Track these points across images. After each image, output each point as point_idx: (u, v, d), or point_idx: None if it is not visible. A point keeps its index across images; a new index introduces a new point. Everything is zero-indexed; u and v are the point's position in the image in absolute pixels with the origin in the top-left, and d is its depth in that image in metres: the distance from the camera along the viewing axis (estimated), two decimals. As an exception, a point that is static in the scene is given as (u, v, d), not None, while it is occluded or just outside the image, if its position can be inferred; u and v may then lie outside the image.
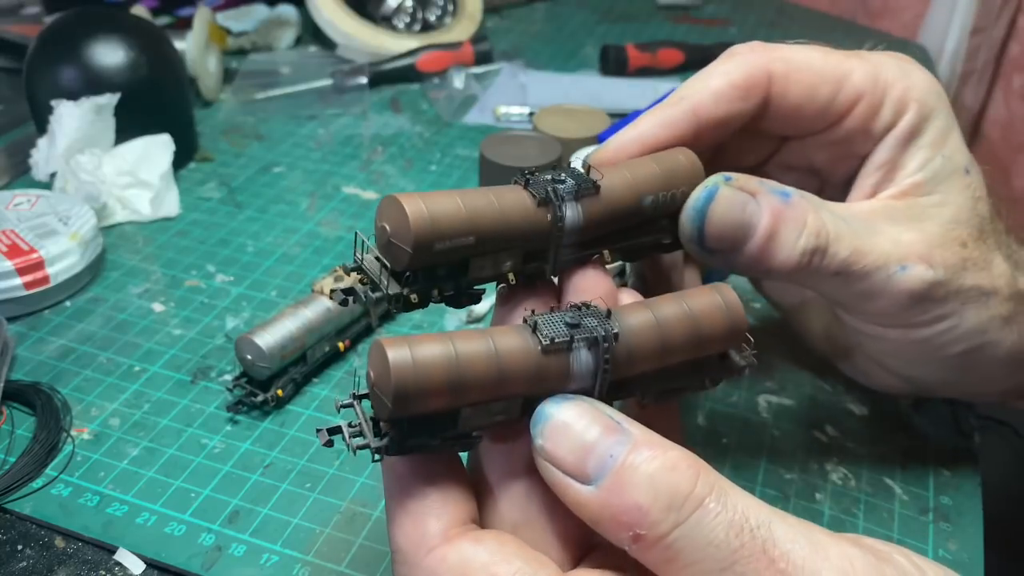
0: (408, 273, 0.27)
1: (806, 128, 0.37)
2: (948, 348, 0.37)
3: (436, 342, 0.25)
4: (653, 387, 0.30)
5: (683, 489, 0.23)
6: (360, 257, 0.28)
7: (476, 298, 0.29)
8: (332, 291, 0.28)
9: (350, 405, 0.26)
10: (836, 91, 0.36)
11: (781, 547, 0.23)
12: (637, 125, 0.35)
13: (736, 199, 0.32)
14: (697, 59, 0.94)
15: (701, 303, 0.29)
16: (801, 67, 0.36)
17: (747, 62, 0.35)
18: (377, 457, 0.25)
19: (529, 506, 0.30)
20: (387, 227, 0.27)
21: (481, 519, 0.29)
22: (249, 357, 0.47)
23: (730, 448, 0.46)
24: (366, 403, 0.27)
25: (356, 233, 0.28)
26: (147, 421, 0.47)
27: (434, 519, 0.27)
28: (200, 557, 0.39)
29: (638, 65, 0.92)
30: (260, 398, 0.47)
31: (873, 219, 0.35)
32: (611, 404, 0.27)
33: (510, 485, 0.30)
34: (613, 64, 0.92)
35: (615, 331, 0.27)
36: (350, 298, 0.28)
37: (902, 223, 0.35)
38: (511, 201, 0.28)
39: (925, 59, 1.03)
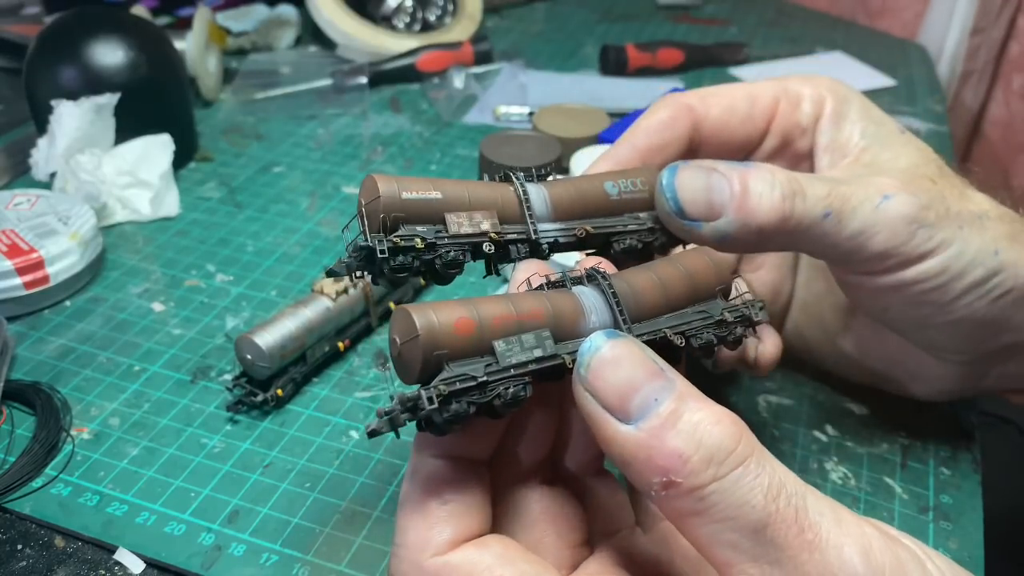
0: (386, 220, 0.28)
1: (742, 142, 0.41)
2: (968, 275, 0.36)
3: (451, 300, 0.27)
4: (678, 327, 0.31)
5: (727, 445, 0.23)
6: (363, 234, 0.29)
7: (463, 255, 0.30)
8: (326, 268, 0.29)
9: (391, 412, 0.26)
10: (751, 103, 0.41)
11: (812, 518, 0.23)
12: (592, 169, 0.39)
13: (698, 170, 0.34)
14: (697, 59, 0.94)
15: (691, 259, 0.33)
16: (714, 93, 0.41)
17: (667, 103, 0.40)
18: (433, 407, 0.25)
19: (531, 511, 0.30)
20: (362, 199, 0.29)
21: (493, 525, 0.29)
22: (249, 357, 0.47)
23: (730, 448, 0.46)
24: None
25: (343, 230, 0.30)
26: (147, 421, 0.47)
27: (449, 527, 0.27)
28: (200, 557, 0.39)
29: (638, 65, 0.92)
30: (260, 398, 0.47)
31: (840, 176, 0.38)
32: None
33: (514, 489, 0.30)
34: (613, 64, 0.92)
35: (604, 271, 0.30)
36: (354, 265, 0.29)
37: (867, 176, 0.37)
38: (475, 182, 0.31)
39: (925, 59, 1.03)
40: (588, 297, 0.29)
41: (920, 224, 0.35)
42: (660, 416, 0.24)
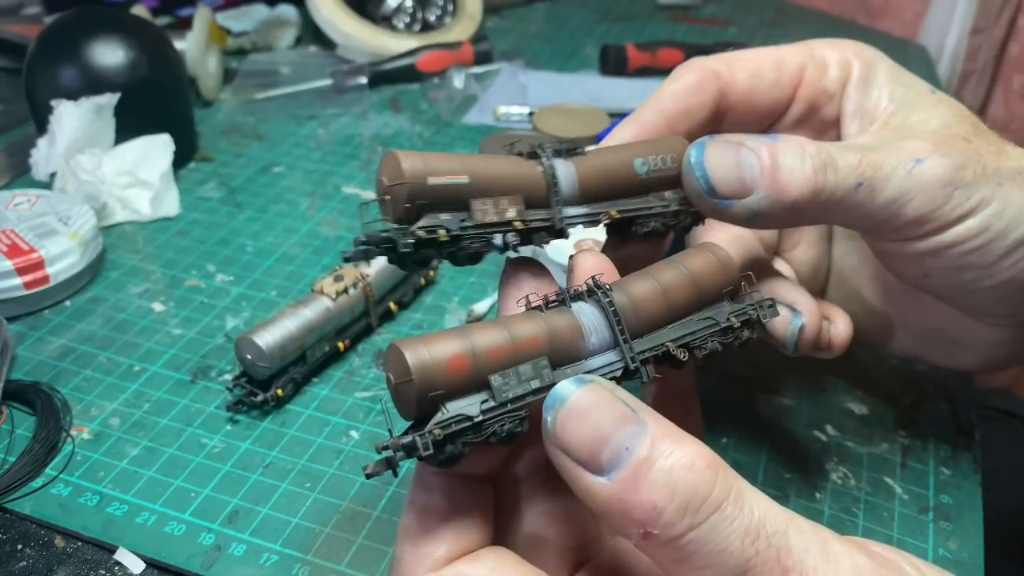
0: (409, 208, 0.28)
1: (769, 109, 0.40)
2: (1011, 233, 0.35)
3: (445, 331, 0.26)
4: (681, 339, 0.30)
5: (701, 491, 0.23)
6: (368, 229, 0.29)
7: (487, 246, 0.29)
8: (344, 252, 0.28)
9: (388, 446, 0.25)
10: (778, 68, 0.39)
11: (795, 556, 0.22)
12: (615, 134, 0.38)
13: (726, 147, 0.33)
14: (697, 59, 0.94)
15: (693, 258, 0.32)
16: (739, 58, 0.39)
17: (693, 67, 0.39)
18: (429, 453, 0.25)
19: (531, 513, 0.30)
20: (384, 178, 0.28)
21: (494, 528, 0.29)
22: (249, 357, 0.47)
23: (730, 448, 0.46)
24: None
25: (359, 206, 0.30)
26: (147, 421, 0.47)
27: (445, 544, 0.27)
28: (200, 556, 0.39)
29: (638, 65, 0.92)
30: (260, 398, 0.47)
31: (870, 142, 0.36)
32: (646, 362, 0.28)
33: (513, 492, 0.30)
34: (613, 64, 0.92)
35: (607, 285, 0.29)
36: (364, 254, 0.28)
37: (898, 140, 0.36)
38: (502, 158, 0.30)
39: (925, 59, 1.03)
40: (587, 316, 0.28)
41: (956, 185, 0.34)
42: (632, 466, 0.23)
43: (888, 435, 0.47)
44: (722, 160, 0.33)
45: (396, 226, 0.28)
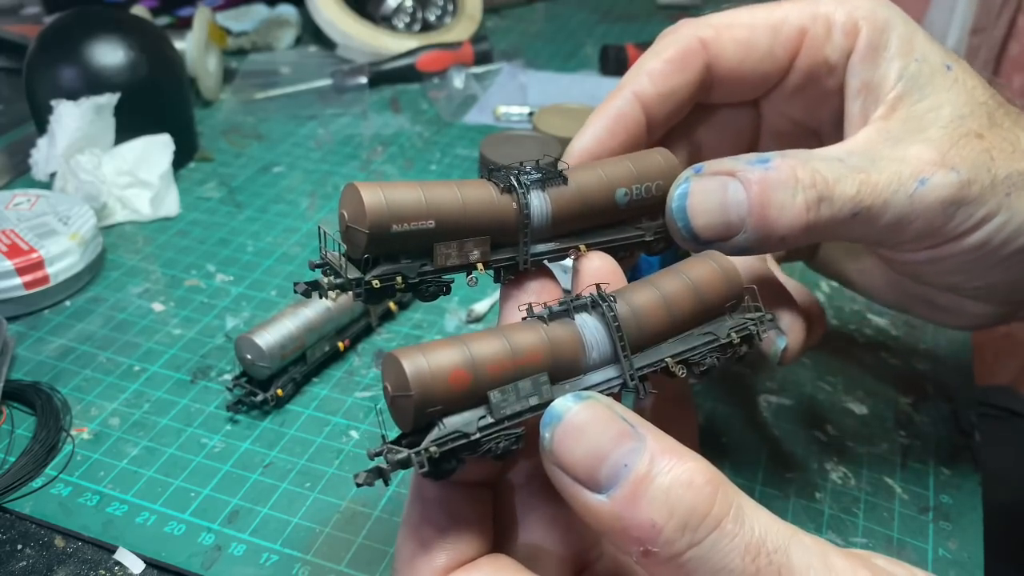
0: (368, 257, 0.27)
1: (760, 81, 0.37)
2: (1012, 243, 0.34)
3: (445, 340, 0.26)
4: (680, 355, 0.29)
5: (700, 509, 0.22)
6: (324, 252, 0.28)
7: (445, 288, 0.29)
8: (295, 283, 0.27)
9: (382, 451, 0.25)
10: (773, 36, 0.36)
11: (797, 573, 0.22)
12: (588, 125, 0.36)
13: (712, 185, 0.31)
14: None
15: (696, 268, 0.31)
16: (732, 24, 0.36)
17: (677, 38, 0.36)
18: (424, 470, 0.24)
19: (531, 518, 0.29)
20: (345, 213, 0.27)
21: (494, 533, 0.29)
22: (249, 357, 0.47)
23: (730, 448, 0.46)
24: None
25: (319, 227, 0.28)
26: (147, 421, 0.47)
27: (443, 553, 0.26)
28: (200, 556, 0.39)
29: (638, 65, 0.92)
30: (260, 398, 0.47)
31: (872, 148, 0.33)
32: (644, 381, 0.28)
33: (514, 496, 0.30)
34: (613, 64, 0.92)
35: (612, 296, 0.28)
36: (314, 291, 0.27)
37: (904, 140, 0.33)
38: (474, 189, 0.28)
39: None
40: (590, 330, 0.28)
41: (961, 204, 0.32)
42: (630, 484, 0.23)
43: (888, 435, 0.47)
44: (706, 204, 0.31)
45: (350, 274, 0.27)
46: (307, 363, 0.49)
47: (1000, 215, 0.33)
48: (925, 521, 0.42)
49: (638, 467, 0.23)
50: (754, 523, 0.22)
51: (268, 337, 0.47)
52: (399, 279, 0.27)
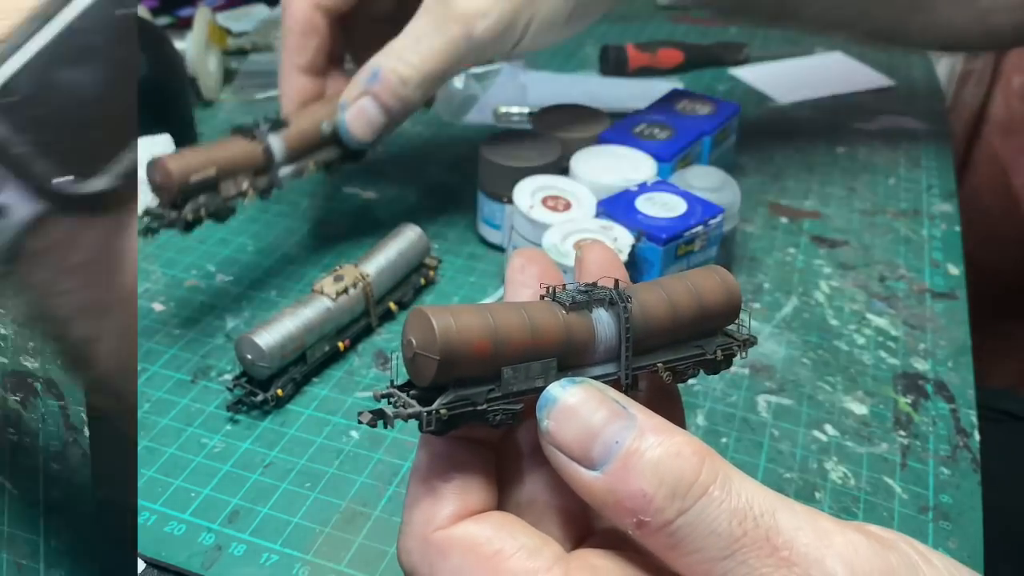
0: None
1: None
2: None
3: (471, 307, 0.26)
4: (670, 362, 0.30)
5: (688, 476, 0.23)
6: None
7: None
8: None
9: (389, 394, 0.26)
10: None
11: (785, 535, 0.23)
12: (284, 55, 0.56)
13: (354, 111, 0.54)
14: (697, 59, 0.94)
15: (703, 279, 0.31)
16: None
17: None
18: (430, 428, 0.25)
19: (531, 489, 0.30)
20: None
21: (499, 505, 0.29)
22: (249, 357, 0.47)
23: (730, 448, 0.46)
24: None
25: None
26: (147, 421, 0.47)
27: (452, 503, 0.27)
28: (200, 556, 0.39)
29: (638, 65, 0.92)
30: (260, 398, 0.47)
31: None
32: (636, 380, 0.29)
33: (517, 464, 0.30)
34: (613, 64, 0.92)
35: (628, 295, 0.28)
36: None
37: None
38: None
39: (925, 59, 1.03)
40: (603, 325, 0.28)
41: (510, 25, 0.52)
42: (621, 458, 0.24)
43: (888, 435, 0.47)
44: (360, 122, 0.53)
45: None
46: (307, 363, 0.49)
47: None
48: (925, 521, 0.42)
49: (629, 443, 0.24)
50: (741, 490, 0.24)
51: (268, 337, 0.47)
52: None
